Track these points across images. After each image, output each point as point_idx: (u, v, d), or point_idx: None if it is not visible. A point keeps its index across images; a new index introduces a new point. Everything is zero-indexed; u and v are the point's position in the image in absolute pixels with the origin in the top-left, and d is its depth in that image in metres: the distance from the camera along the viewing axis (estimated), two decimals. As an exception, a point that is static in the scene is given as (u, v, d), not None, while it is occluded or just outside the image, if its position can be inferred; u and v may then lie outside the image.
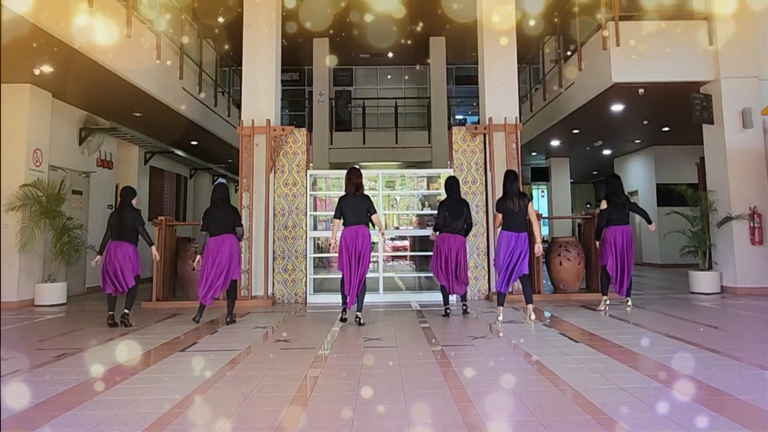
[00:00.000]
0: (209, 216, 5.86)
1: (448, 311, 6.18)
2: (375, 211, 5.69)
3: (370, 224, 5.80)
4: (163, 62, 8.22)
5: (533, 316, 5.52)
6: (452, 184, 6.27)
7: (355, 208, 5.65)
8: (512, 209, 5.57)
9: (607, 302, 6.43)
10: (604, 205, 6.42)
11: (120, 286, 5.70)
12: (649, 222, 6.38)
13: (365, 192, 5.83)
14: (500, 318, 5.69)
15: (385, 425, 2.73)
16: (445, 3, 10.39)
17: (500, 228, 5.67)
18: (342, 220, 5.68)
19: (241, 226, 6.01)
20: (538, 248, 5.75)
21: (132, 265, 5.80)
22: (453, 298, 6.63)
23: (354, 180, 5.72)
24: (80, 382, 3.55)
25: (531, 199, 5.81)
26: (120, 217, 5.81)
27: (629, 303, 6.44)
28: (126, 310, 5.75)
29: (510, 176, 5.79)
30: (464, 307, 6.32)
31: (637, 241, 13.95)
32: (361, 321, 5.63)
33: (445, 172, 8.08)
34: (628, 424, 2.63)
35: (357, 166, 6.03)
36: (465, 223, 6.12)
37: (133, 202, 6.00)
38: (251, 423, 2.79)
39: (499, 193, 7.69)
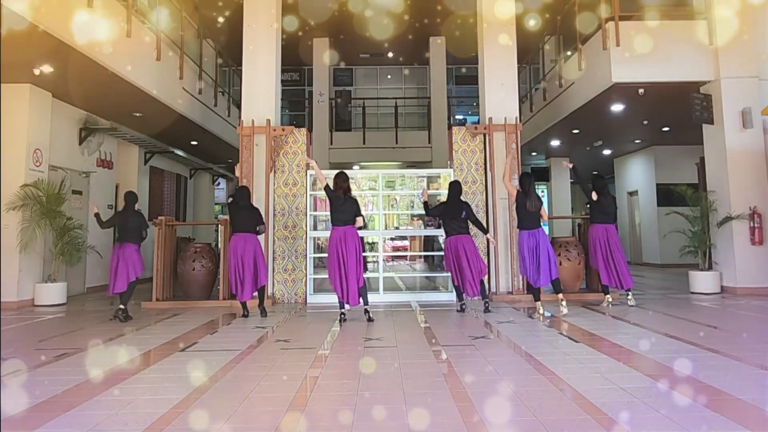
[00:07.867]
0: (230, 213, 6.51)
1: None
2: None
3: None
4: (163, 62, 8.22)
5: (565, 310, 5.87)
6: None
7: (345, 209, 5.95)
8: (529, 210, 5.94)
9: (610, 300, 6.63)
10: (595, 196, 6.69)
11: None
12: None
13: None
14: (541, 311, 5.92)
15: (385, 425, 2.74)
16: (445, 3, 10.39)
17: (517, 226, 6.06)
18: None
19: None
20: None
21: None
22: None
23: (341, 184, 6.02)
24: (80, 382, 3.55)
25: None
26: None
27: (630, 297, 6.61)
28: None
29: (528, 178, 6.13)
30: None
31: (636, 241, 13.93)
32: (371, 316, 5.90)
33: (445, 172, 8.10)
34: (628, 424, 2.63)
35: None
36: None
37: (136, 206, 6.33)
38: (251, 423, 2.79)
39: (499, 194, 7.77)
